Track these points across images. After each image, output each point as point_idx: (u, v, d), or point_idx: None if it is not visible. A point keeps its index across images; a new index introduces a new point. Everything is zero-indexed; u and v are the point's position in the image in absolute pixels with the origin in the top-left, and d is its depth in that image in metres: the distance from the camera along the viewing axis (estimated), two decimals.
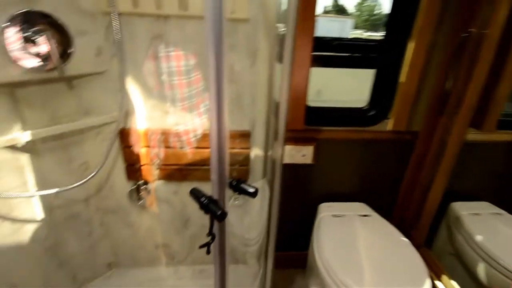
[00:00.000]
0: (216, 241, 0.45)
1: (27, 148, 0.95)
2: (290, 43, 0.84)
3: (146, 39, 1.00)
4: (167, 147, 1.15)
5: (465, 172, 1.22)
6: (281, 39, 0.98)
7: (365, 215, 1.25)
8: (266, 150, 1.20)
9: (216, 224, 0.42)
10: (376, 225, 1.19)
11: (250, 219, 1.32)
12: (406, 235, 1.11)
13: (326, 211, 1.28)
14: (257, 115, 1.15)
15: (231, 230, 1.37)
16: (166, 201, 1.29)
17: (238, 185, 0.46)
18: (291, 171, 1.27)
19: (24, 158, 0.95)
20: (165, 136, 1.13)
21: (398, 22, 1.09)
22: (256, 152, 1.21)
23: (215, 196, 0.41)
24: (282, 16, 0.92)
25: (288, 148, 1.21)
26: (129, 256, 1.41)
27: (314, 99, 1.18)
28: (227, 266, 0.51)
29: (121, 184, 1.22)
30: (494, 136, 1.16)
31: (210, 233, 0.44)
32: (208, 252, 0.45)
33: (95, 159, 1.14)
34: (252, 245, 1.35)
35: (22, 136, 0.89)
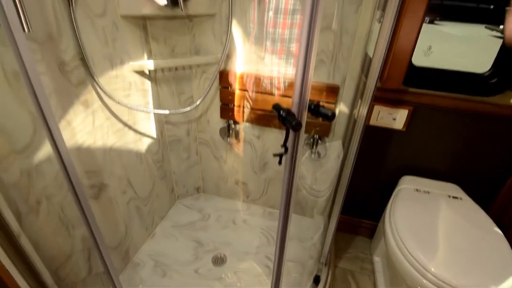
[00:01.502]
0: (284, 179, 0.49)
1: (150, 75, 1.18)
2: None
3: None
4: (258, 91, 1.23)
5: None
6: None
7: (455, 197, 1.12)
8: (352, 108, 1.16)
9: (291, 136, 0.47)
10: (466, 210, 1.06)
11: (322, 174, 1.34)
12: (503, 231, 0.96)
13: (409, 183, 1.20)
14: (351, 70, 1.11)
15: (302, 182, 1.42)
16: (249, 142, 1.41)
17: (316, 108, 0.49)
18: (376, 134, 1.21)
19: (148, 83, 1.18)
20: (258, 81, 1.21)
21: None
22: (341, 108, 1.19)
23: (294, 111, 0.45)
24: None
25: (378, 108, 1.14)
26: (214, 185, 1.64)
27: (422, 57, 1.05)
28: (292, 200, 0.54)
29: (215, 120, 1.40)
30: None
31: (284, 145, 0.49)
32: (280, 162, 0.51)
33: (198, 94, 1.32)
34: (320, 197, 1.38)
35: (149, 64, 1.10)
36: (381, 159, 1.27)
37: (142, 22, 1.06)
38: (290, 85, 1.18)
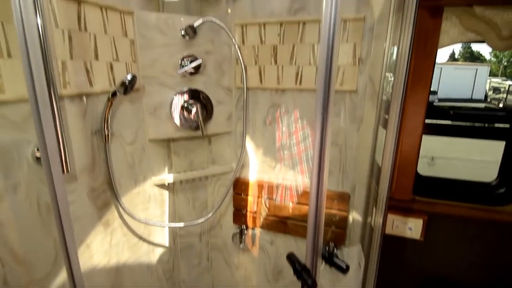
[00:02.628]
0: None
1: (169, 186, 1.25)
2: (397, 110, 0.87)
3: (265, 107, 1.21)
4: (270, 198, 1.27)
5: None
6: (388, 104, 1.02)
7: None
8: (366, 216, 1.17)
9: None
10: None
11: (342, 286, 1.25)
12: None
13: None
14: (359, 179, 1.15)
15: None
16: (262, 248, 1.37)
17: (331, 257, 0.50)
18: (393, 243, 1.17)
19: (166, 193, 1.24)
20: (270, 188, 1.26)
21: None
22: (354, 216, 1.19)
23: (308, 265, 0.46)
24: (391, 66, 0.97)
25: (392, 217, 1.14)
26: None
27: (426, 167, 1.10)
28: None
29: (228, 226, 1.40)
30: None
31: None
32: None
33: (212, 199, 1.36)
34: None
35: (169, 177, 1.18)
36: (402, 269, 1.20)
37: (167, 142, 1.19)
38: (301, 194, 1.22)
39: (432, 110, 1.02)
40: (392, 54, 1.01)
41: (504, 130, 1.05)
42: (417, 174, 1.10)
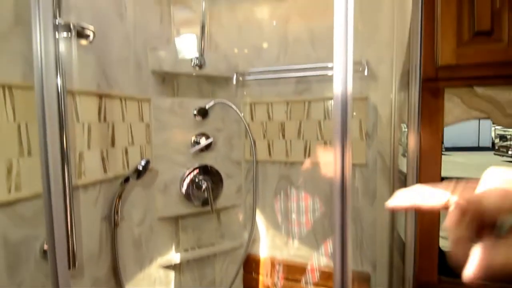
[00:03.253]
0: None
1: (175, 266, 1.18)
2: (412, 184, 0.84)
3: (275, 179, 1.20)
4: (285, 278, 1.18)
5: None
6: (403, 178, 1.00)
7: None
8: None
9: None
10: None
11: None
12: None
13: None
14: (379, 257, 1.08)
15: None
16: None
17: None
18: None
19: (172, 274, 1.17)
20: (284, 267, 1.18)
21: None
22: None
23: None
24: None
25: None
26: None
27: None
28: None
29: None
30: None
31: None
32: None
33: (221, 279, 1.28)
34: None
35: (175, 257, 1.12)
36: None
37: (175, 219, 1.16)
38: (319, 274, 1.14)
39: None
40: (399, 129, 1.03)
41: None
42: (440, 251, 1.02)
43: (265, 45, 1.18)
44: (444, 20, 0.81)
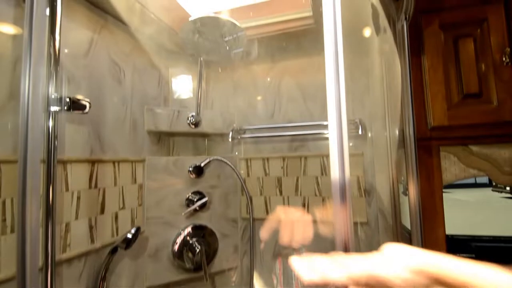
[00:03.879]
0: None
1: None
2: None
3: (273, 239, 1.14)
4: None
5: None
6: (408, 236, 0.95)
7: None
8: None
9: None
10: None
11: None
12: None
13: None
14: None
15: None
16: None
17: None
18: None
19: None
20: None
21: None
22: None
23: None
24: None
25: None
26: None
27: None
28: None
29: None
30: None
31: None
32: None
33: None
34: None
35: None
36: None
37: (166, 287, 1.08)
38: None
39: (453, 244, 0.95)
40: (397, 188, 1.01)
41: None
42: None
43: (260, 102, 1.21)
44: (432, 85, 0.84)
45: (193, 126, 1.11)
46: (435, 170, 0.90)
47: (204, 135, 1.21)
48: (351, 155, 1.07)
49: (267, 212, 1.16)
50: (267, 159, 1.17)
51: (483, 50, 0.82)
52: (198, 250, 1.01)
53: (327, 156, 0.56)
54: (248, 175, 1.20)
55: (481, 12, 0.83)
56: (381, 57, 1.04)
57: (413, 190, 0.88)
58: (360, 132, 1.01)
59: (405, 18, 0.83)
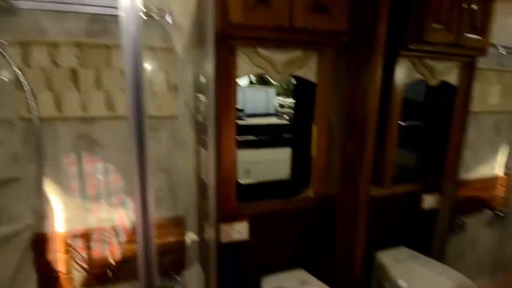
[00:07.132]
0: None
1: None
2: (213, 132, 0.98)
3: (69, 140, 1.00)
4: (90, 248, 1.06)
5: (381, 222, 1.42)
6: (205, 127, 1.09)
7: (304, 283, 1.30)
8: (201, 233, 1.21)
9: None
10: None
11: None
12: None
13: (268, 284, 1.29)
14: (190, 199, 1.18)
15: None
16: None
17: None
18: (230, 249, 1.27)
19: None
20: (87, 237, 1.05)
21: (302, 110, 1.34)
22: (191, 237, 1.20)
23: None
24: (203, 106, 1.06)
25: (224, 227, 1.23)
26: None
27: (243, 175, 1.29)
28: None
29: None
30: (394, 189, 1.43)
31: None
32: None
33: (4, 273, 0.97)
34: None
35: None
36: (242, 269, 1.33)
37: None
38: (130, 232, 1.10)
39: (241, 129, 1.20)
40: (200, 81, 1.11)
41: (289, 139, 1.40)
42: (238, 184, 1.25)
43: None
44: None
45: None
46: (232, 67, 1.04)
47: None
48: (160, 48, 1.04)
49: (60, 111, 0.97)
50: (56, 45, 0.93)
51: None
52: None
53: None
54: (28, 65, 0.92)
55: None
56: None
57: (212, 85, 0.99)
58: (170, 21, 0.98)
59: None
